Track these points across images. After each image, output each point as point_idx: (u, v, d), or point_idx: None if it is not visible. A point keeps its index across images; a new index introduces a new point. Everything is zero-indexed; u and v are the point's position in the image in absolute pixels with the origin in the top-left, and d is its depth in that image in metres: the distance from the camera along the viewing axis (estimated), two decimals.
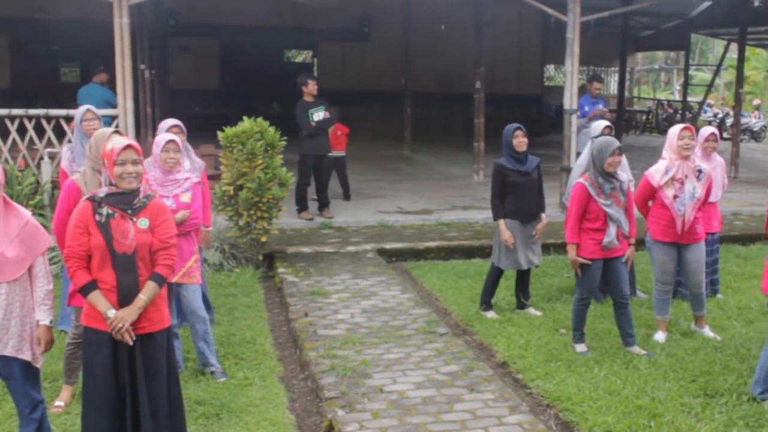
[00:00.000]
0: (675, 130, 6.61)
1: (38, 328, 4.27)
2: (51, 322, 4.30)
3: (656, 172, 6.61)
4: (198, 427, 5.13)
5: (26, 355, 4.24)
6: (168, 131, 6.26)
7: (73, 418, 5.10)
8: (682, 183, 6.53)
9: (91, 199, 4.21)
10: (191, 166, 6.49)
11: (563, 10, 10.95)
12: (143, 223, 4.20)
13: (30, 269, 4.20)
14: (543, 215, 7.38)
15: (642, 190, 6.73)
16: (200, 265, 6.20)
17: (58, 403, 5.33)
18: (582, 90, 11.95)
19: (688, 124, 6.74)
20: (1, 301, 4.10)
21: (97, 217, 4.14)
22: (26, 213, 4.23)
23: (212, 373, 5.95)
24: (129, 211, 4.19)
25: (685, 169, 6.55)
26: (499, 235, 7.28)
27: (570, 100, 11.03)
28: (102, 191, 4.24)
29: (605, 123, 7.77)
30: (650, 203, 6.78)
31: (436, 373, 6.00)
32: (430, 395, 5.60)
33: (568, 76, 11.06)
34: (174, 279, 5.82)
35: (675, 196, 6.52)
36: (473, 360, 6.29)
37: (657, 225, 6.69)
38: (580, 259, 6.30)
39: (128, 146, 4.18)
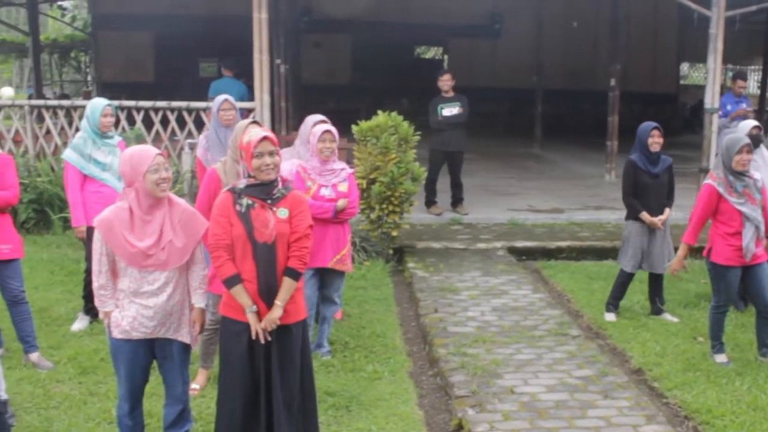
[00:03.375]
0: None
1: (193, 311, 4.41)
2: (206, 305, 4.45)
3: None
4: (328, 417, 5.19)
5: (185, 338, 4.40)
6: (315, 126, 6.37)
7: (207, 401, 5.25)
8: None
9: (231, 190, 4.30)
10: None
11: (706, 5, 10.50)
12: (283, 212, 4.25)
13: None
14: (667, 209, 7.12)
15: None
16: (351, 254, 6.32)
17: (194, 386, 5.49)
18: (723, 88, 11.45)
19: None
20: (167, 287, 4.26)
21: (238, 208, 4.22)
22: (181, 200, 4.39)
23: (321, 355, 6.20)
24: (269, 201, 4.25)
25: None
26: (629, 234, 7.12)
27: (711, 98, 10.57)
28: (241, 183, 4.32)
29: (753, 123, 7.39)
30: None
31: (569, 376, 5.86)
32: (563, 399, 5.47)
33: (710, 73, 10.59)
34: (329, 264, 5.96)
35: None
36: (607, 365, 6.10)
37: None
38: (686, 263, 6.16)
39: (265, 138, 4.23)
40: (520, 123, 19.66)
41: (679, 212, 10.50)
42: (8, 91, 23.59)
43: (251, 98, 10.27)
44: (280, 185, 4.32)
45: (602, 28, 15.68)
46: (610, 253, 9.44)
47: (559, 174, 14.76)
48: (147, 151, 4.23)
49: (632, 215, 7.09)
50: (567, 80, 20.25)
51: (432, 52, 24.83)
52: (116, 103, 6.89)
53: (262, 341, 4.21)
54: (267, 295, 4.22)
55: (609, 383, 5.74)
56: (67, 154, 6.59)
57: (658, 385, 5.82)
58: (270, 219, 4.21)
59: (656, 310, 7.29)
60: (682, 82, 24.59)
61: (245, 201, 4.23)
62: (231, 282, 4.21)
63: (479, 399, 5.45)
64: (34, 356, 5.98)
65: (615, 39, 13.87)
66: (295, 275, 4.29)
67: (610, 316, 7.22)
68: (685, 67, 24.99)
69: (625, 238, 7.19)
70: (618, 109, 13.63)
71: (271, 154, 4.23)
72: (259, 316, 4.23)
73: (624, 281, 7.26)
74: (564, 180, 14.03)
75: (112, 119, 6.67)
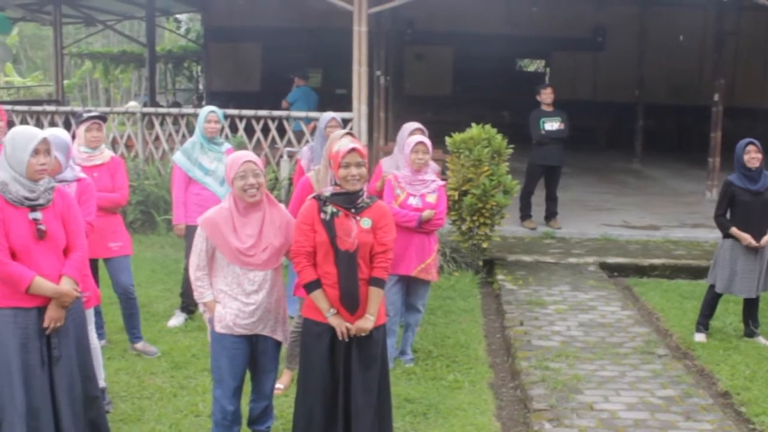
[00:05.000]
0: None
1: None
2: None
3: None
4: (405, 423, 5.29)
5: (279, 336, 4.65)
6: (411, 134, 6.51)
7: (290, 401, 5.39)
8: None
9: (317, 197, 4.45)
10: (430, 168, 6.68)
11: None
12: (366, 222, 4.37)
13: None
14: None
15: None
16: (437, 264, 6.43)
17: (278, 385, 5.62)
18: None
19: None
20: (267, 286, 4.50)
21: (322, 215, 4.36)
22: (282, 206, 4.63)
23: (404, 362, 6.33)
24: (353, 210, 4.37)
25: None
26: (719, 252, 6.96)
27: None
28: (327, 190, 4.46)
29: None
30: None
31: (651, 395, 5.79)
32: (643, 418, 5.41)
33: None
34: (412, 273, 6.09)
35: None
36: (692, 386, 5.99)
37: None
38: None
39: (353, 149, 4.35)
40: (621, 137, 19.30)
41: None
42: (134, 105, 24.76)
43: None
44: (365, 195, 4.46)
45: (709, 42, 15.29)
46: (706, 273, 9.13)
47: (658, 190, 14.44)
48: (238, 158, 4.44)
49: (723, 233, 6.95)
50: (671, 95, 19.76)
51: (535, 65, 24.65)
52: (221, 111, 7.21)
53: (346, 339, 4.36)
54: (347, 300, 4.35)
55: (692, 405, 5.64)
56: (177, 157, 6.99)
57: (746, 410, 5.67)
58: (353, 228, 4.33)
59: (749, 333, 7.11)
60: None
61: (330, 209, 4.36)
62: (311, 287, 4.38)
63: (557, 413, 5.45)
64: (140, 345, 6.43)
65: (719, 53, 13.53)
66: (381, 284, 4.43)
67: (700, 337, 7.09)
68: None
69: (716, 256, 7.05)
70: (721, 124, 13.28)
71: (357, 165, 4.35)
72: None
73: (712, 298, 7.12)
74: (662, 196, 13.73)
75: (217, 125, 6.99)
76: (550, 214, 11.08)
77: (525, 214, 10.99)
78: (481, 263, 9.14)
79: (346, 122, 10.01)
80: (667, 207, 12.74)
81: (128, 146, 11.45)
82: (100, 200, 6.04)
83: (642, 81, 17.23)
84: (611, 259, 9.55)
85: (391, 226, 4.47)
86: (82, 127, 6.10)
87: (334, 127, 6.74)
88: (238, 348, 4.54)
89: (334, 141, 5.22)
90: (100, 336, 6.18)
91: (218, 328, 4.50)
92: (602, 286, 8.58)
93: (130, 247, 6.41)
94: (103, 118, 6.25)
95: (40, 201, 4.18)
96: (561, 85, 19.85)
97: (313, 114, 10.78)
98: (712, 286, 7.11)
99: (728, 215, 6.95)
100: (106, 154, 6.25)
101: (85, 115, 6.16)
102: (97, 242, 6.11)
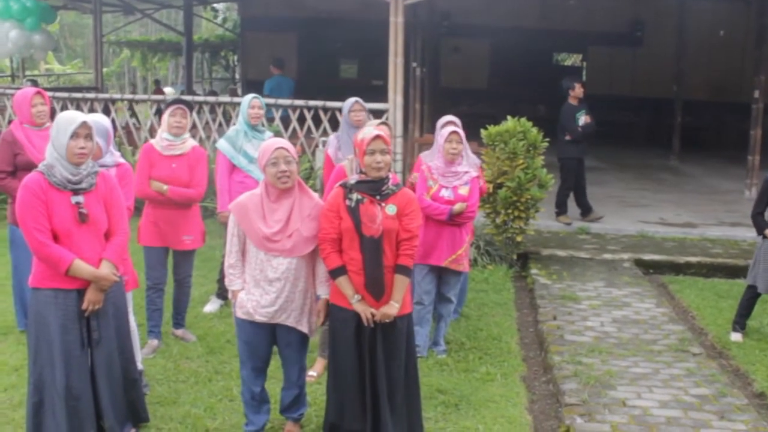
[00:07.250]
0: None
1: (319, 302, 4.65)
2: None
3: None
4: (437, 414, 5.30)
5: (304, 327, 4.63)
6: (444, 127, 6.49)
7: (322, 388, 5.43)
8: None
9: (343, 185, 4.49)
10: (467, 161, 6.67)
11: None
12: (391, 209, 4.41)
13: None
14: None
15: None
16: (468, 255, 6.41)
17: (311, 373, 5.71)
18: None
19: None
20: (290, 275, 4.50)
21: (348, 202, 4.41)
22: (315, 195, 4.64)
23: (436, 353, 6.33)
24: (377, 197, 4.41)
25: None
26: (759, 252, 6.88)
27: None
28: (353, 178, 4.50)
29: None
30: None
31: (685, 394, 5.74)
32: (676, 416, 5.37)
33: None
34: (443, 263, 6.09)
35: None
36: (727, 385, 5.92)
37: None
38: None
39: (377, 137, 4.38)
40: (658, 134, 19.15)
41: None
42: (170, 91, 25.01)
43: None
44: (390, 183, 4.48)
45: (750, 37, 15.05)
46: (743, 272, 9.05)
47: (696, 188, 14.30)
48: (270, 145, 4.46)
49: (759, 232, 6.87)
50: (710, 91, 19.53)
51: (571, 60, 24.44)
52: (262, 98, 7.25)
53: (371, 325, 4.39)
54: (373, 287, 4.40)
55: (727, 404, 5.58)
56: (220, 144, 6.99)
57: None
58: (377, 214, 4.38)
59: None
60: None
61: (355, 196, 4.41)
62: (335, 273, 4.43)
63: (589, 408, 5.43)
64: (180, 331, 6.53)
65: (760, 48, 13.33)
66: (406, 272, 4.46)
67: (736, 336, 7.01)
68: None
69: (756, 255, 6.97)
70: (762, 122, 13.11)
71: (382, 152, 4.39)
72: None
73: (750, 298, 7.03)
74: (700, 194, 13.59)
75: (261, 111, 7.01)
76: (587, 209, 11.01)
77: (562, 210, 10.93)
78: (515, 257, 9.11)
79: (381, 113, 10.02)
80: (704, 205, 12.61)
81: None
82: (173, 194, 6.06)
83: (681, 77, 17.06)
84: (647, 256, 9.47)
85: (416, 213, 4.50)
86: (167, 112, 6.10)
87: (358, 111, 6.74)
88: (258, 334, 4.57)
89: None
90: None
91: (239, 314, 4.54)
92: (637, 283, 8.52)
93: (202, 239, 6.47)
94: (189, 104, 6.25)
95: (83, 185, 4.24)
96: (598, 80, 19.78)
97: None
98: (750, 286, 7.02)
99: (766, 214, 6.87)
100: (187, 144, 6.18)
101: (170, 99, 6.20)
102: (172, 233, 6.19)
